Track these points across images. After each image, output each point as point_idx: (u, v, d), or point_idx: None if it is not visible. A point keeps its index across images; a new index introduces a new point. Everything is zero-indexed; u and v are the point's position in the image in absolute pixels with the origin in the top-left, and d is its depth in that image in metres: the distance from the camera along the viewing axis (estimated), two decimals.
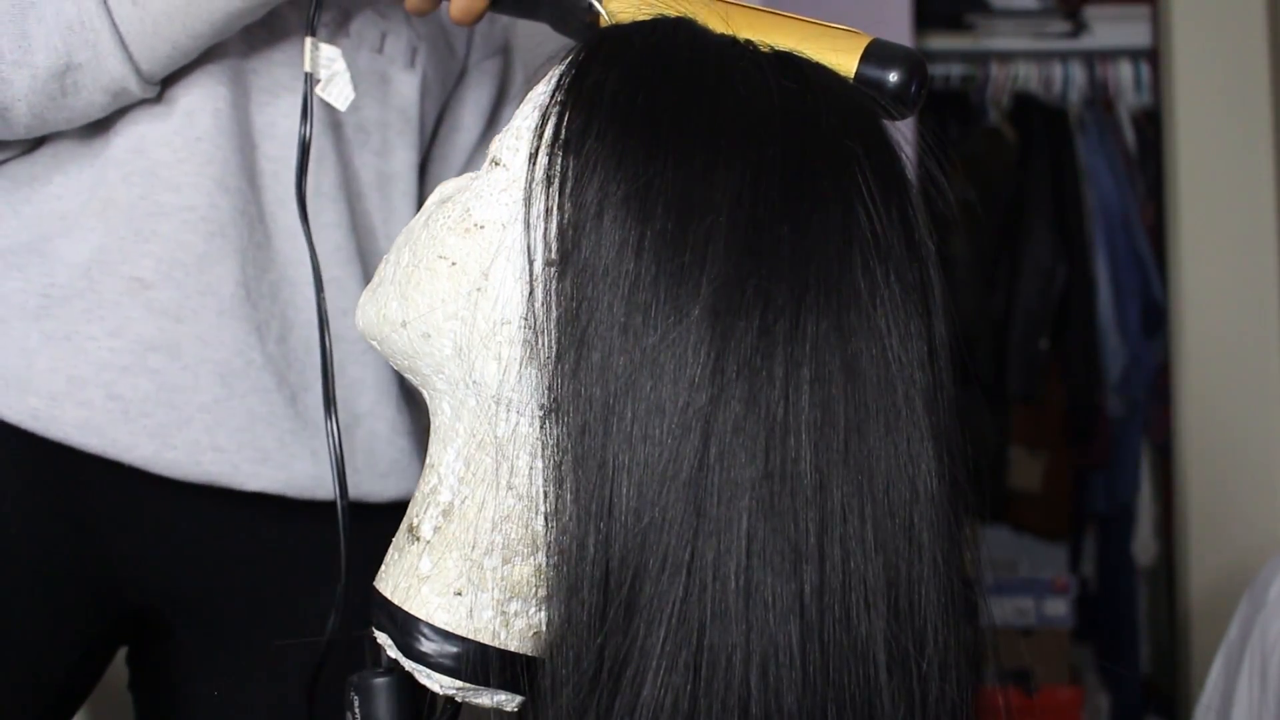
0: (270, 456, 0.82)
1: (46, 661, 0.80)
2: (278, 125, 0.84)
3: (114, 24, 0.72)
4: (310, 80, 0.78)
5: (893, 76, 0.56)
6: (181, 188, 0.79)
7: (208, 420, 0.80)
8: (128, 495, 0.80)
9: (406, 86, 0.90)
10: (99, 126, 0.79)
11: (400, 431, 0.90)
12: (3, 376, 0.77)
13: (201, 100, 0.80)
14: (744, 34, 0.55)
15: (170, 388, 0.79)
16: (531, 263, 0.51)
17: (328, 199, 0.86)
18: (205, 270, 0.80)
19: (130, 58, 0.73)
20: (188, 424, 0.79)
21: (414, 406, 0.93)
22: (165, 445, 0.78)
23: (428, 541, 0.55)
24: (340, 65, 0.79)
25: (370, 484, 0.88)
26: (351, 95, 0.79)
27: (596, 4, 0.64)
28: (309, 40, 0.77)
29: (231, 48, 0.82)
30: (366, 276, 0.89)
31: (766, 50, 0.54)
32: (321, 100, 0.82)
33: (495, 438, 0.53)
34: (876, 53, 0.56)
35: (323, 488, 0.85)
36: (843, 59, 0.56)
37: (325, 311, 0.76)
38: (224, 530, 0.84)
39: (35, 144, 0.80)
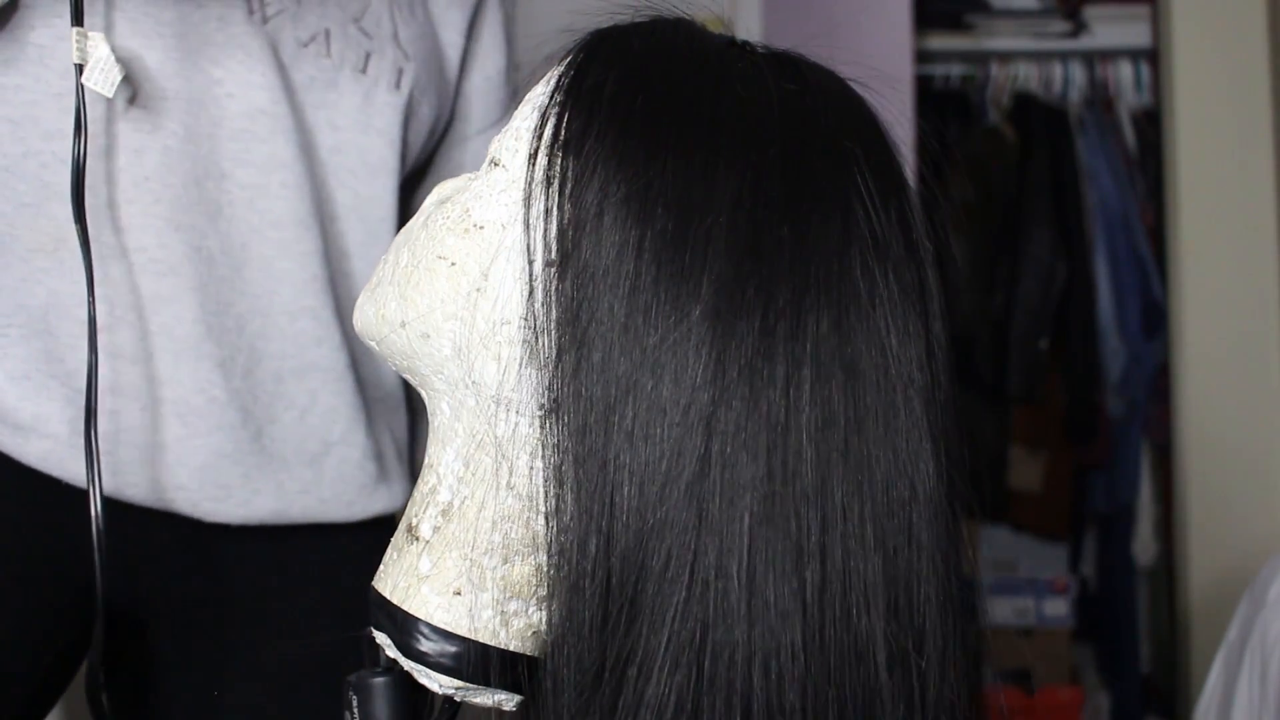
0: (232, 493, 0.83)
1: (21, 663, 0.81)
2: (252, 151, 0.83)
3: None
4: (80, 72, 0.74)
5: None
6: (130, 229, 0.79)
7: (169, 459, 0.80)
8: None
9: (389, 109, 0.89)
10: (40, 159, 0.78)
11: (370, 455, 0.91)
12: None
13: (149, 139, 0.79)
14: None
15: (129, 428, 0.79)
16: (531, 263, 0.51)
17: (303, 226, 0.85)
18: (159, 310, 0.79)
19: None
20: (148, 463, 0.80)
21: (383, 430, 0.93)
22: (125, 483, 0.79)
23: (427, 541, 0.55)
24: (104, 50, 0.74)
25: (336, 511, 0.89)
26: (118, 79, 0.75)
27: None
28: (75, 30, 0.74)
29: (198, 73, 0.80)
30: (340, 302, 0.88)
31: (764, 51, 0.54)
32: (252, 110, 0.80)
33: (495, 438, 0.53)
34: None
35: (284, 518, 0.86)
36: None
37: (95, 314, 0.74)
38: (194, 545, 0.85)
39: None
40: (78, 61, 0.74)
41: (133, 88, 0.79)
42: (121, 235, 0.79)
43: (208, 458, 0.81)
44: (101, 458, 0.77)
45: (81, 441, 0.77)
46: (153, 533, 0.83)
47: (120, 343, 0.79)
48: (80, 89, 0.74)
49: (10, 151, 0.78)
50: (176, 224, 0.79)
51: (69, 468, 0.78)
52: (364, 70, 0.88)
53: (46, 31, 0.78)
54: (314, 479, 0.87)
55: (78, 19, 0.73)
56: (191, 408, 0.81)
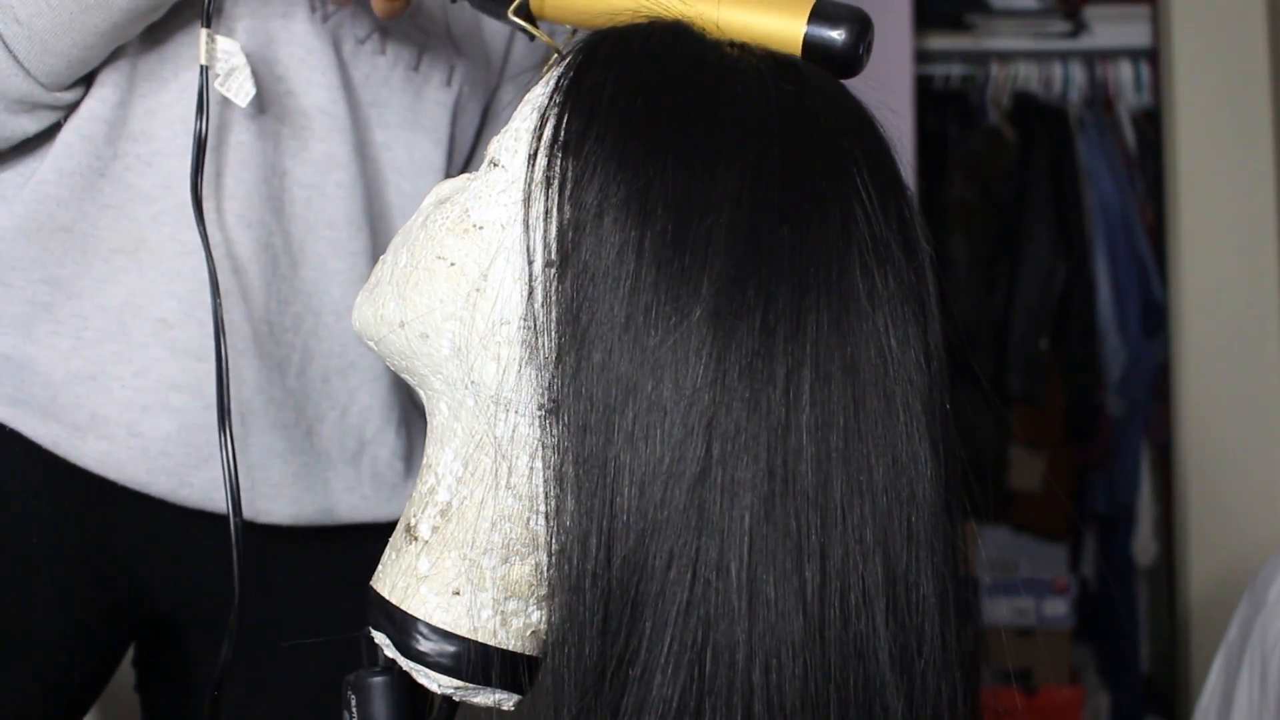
0: (283, 491, 0.83)
1: (63, 665, 0.81)
2: (310, 149, 0.83)
3: (4, 42, 0.72)
4: (206, 73, 0.76)
5: (839, 35, 0.56)
6: (208, 225, 0.79)
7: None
8: (148, 516, 0.81)
9: (439, 107, 0.89)
10: (125, 162, 0.79)
11: (398, 455, 0.91)
12: (27, 404, 0.78)
13: (222, 135, 0.80)
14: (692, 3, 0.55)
15: (191, 427, 0.79)
16: (531, 264, 0.51)
17: (354, 226, 0.85)
18: (229, 309, 0.80)
19: (28, 73, 0.73)
20: (206, 462, 0.80)
21: (410, 429, 0.94)
22: (182, 483, 0.79)
23: (426, 541, 0.55)
24: (239, 59, 0.76)
25: (376, 508, 0.89)
26: (252, 91, 0.77)
27: None
28: (204, 32, 0.75)
29: (264, 70, 0.81)
30: None
31: (762, 53, 0.54)
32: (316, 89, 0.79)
33: (494, 438, 0.53)
34: (824, 11, 0.56)
35: (330, 517, 0.86)
36: (791, 20, 0.56)
37: (221, 318, 0.75)
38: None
39: (68, 184, 0.78)
40: (204, 63, 0.75)
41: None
42: (196, 232, 0.79)
43: (261, 456, 0.82)
44: (160, 459, 0.78)
45: (139, 443, 0.78)
46: (202, 538, 0.83)
47: (188, 340, 0.79)
48: (205, 75, 0.75)
49: (104, 154, 0.78)
50: (248, 221, 0.80)
51: (127, 470, 0.78)
52: (416, 68, 0.88)
53: (135, 41, 0.78)
54: (354, 477, 0.88)
55: (207, 20, 0.75)
56: (251, 407, 0.81)
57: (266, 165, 0.81)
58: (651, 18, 0.56)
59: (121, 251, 0.79)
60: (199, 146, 0.75)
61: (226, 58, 0.76)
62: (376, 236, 0.88)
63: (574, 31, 0.64)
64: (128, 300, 0.78)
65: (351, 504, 0.87)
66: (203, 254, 0.78)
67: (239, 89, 0.77)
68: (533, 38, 0.65)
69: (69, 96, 0.77)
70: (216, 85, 0.76)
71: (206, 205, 0.79)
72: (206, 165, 0.79)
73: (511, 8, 0.63)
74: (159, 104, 0.79)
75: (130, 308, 0.78)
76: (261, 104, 0.81)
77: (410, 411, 0.94)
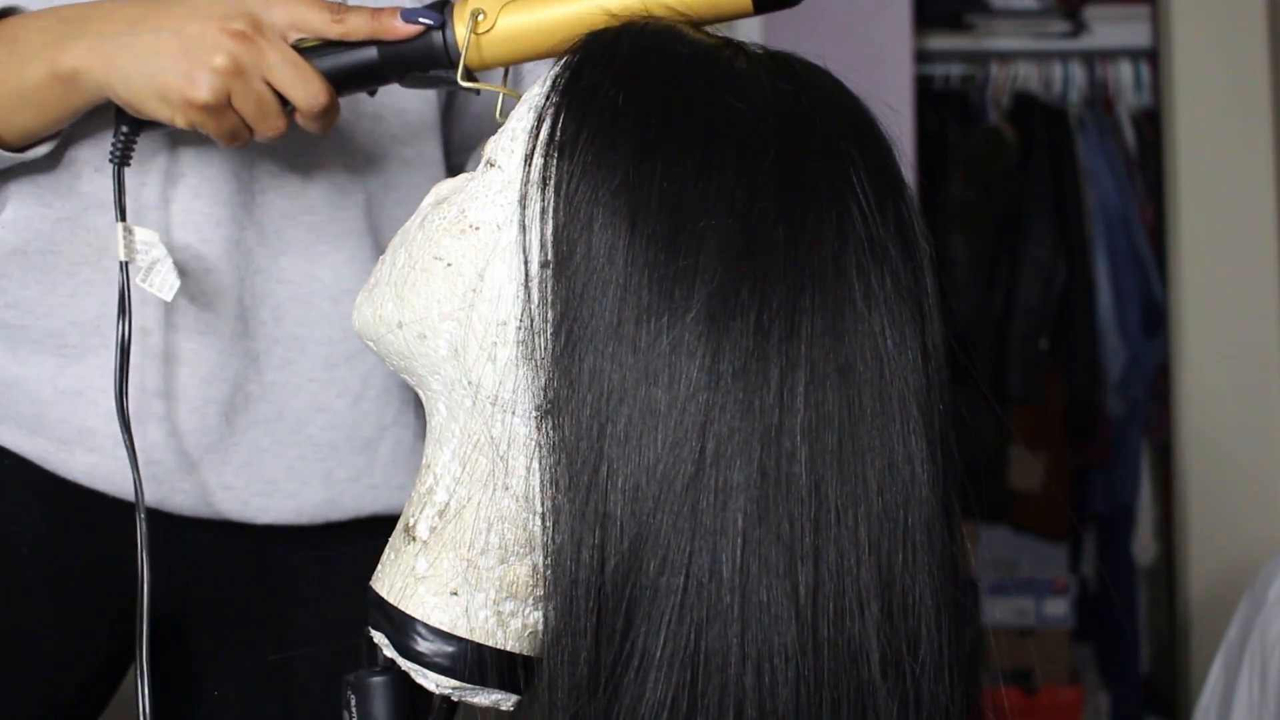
0: (279, 487, 0.82)
1: (63, 678, 0.81)
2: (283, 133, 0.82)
3: None
4: (127, 269, 0.72)
5: None
6: (170, 228, 0.78)
7: (215, 460, 0.80)
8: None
9: (418, 99, 0.86)
10: (74, 170, 0.77)
11: (421, 437, 0.89)
12: (12, 420, 0.78)
13: (184, 132, 0.77)
14: None
15: (178, 433, 0.79)
16: (527, 265, 0.51)
17: (335, 207, 0.84)
18: (203, 310, 0.79)
19: None
20: (196, 466, 0.79)
21: None
22: (173, 490, 0.79)
23: (424, 542, 0.55)
24: (159, 250, 0.73)
25: (388, 497, 0.87)
26: (177, 284, 0.73)
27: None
28: (120, 225, 0.72)
29: None
30: None
31: (759, 51, 0.54)
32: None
33: (491, 439, 0.53)
34: None
35: (336, 510, 0.85)
36: None
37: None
38: (238, 553, 0.85)
39: (10, 204, 0.77)
40: (123, 258, 0.72)
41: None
42: (165, 234, 0.78)
43: (249, 454, 0.81)
44: (149, 467, 0.77)
45: (127, 454, 0.75)
46: (197, 543, 0.83)
47: (168, 345, 0.78)
48: (125, 271, 0.72)
49: (44, 165, 0.76)
50: (217, 219, 0.78)
51: (115, 481, 0.78)
52: None
53: None
54: (366, 465, 0.86)
55: (122, 213, 0.72)
56: (234, 406, 0.80)
57: (234, 159, 0.79)
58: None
59: (84, 263, 0.77)
60: (123, 351, 0.72)
61: (146, 249, 0.73)
62: (379, 209, 0.85)
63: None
64: (101, 312, 0.77)
65: (357, 494, 0.86)
66: (173, 260, 0.75)
67: (162, 283, 0.73)
68: (479, 92, 0.64)
69: (36, 152, 0.74)
70: (138, 281, 0.73)
71: (173, 208, 0.78)
72: (169, 168, 0.77)
73: (459, 74, 0.63)
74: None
75: (106, 318, 0.77)
76: None
77: None
